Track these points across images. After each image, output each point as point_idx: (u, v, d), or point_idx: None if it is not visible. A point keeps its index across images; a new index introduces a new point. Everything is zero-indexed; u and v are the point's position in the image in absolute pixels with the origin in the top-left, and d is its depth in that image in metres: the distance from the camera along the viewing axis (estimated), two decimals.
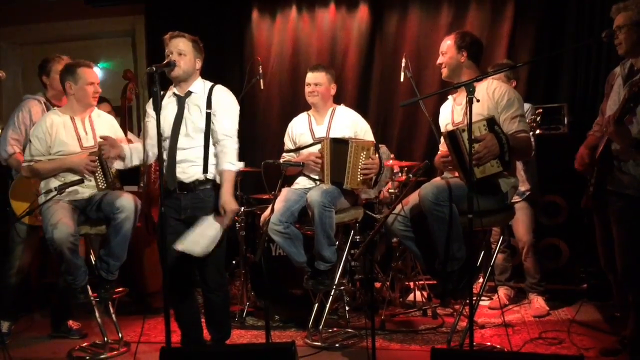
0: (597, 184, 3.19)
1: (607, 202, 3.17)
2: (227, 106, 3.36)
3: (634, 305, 3.16)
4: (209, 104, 3.33)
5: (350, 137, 3.96)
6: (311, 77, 4.07)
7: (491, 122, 3.23)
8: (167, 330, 3.00)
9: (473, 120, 2.96)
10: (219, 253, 3.34)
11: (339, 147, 3.88)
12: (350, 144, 3.82)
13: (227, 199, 3.26)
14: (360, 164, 3.82)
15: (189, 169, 3.33)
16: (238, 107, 3.43)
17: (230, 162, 3.29)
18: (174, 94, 3.41)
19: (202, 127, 3.32)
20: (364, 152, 3.83)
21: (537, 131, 4.17)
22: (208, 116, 3.31)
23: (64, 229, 3.44)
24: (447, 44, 3.55)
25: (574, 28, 4.95)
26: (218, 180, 3.32)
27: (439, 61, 3.59)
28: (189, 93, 3.38)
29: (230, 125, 3.34)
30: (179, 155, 3.34)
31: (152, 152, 3.45)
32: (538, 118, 4.11)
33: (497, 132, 3.21)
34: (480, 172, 3.21)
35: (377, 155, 3.85)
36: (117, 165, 3.58)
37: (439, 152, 3.73)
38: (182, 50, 3.34)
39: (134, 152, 3.55)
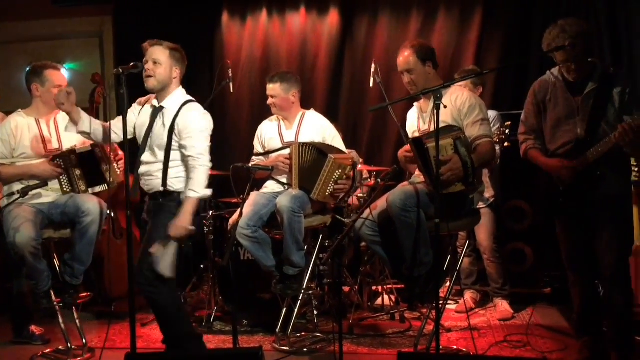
0: (577, 191, 3.23)
1: (585, 206, 3.22)
2: (193, 126, 3.24)
3: (619, 307, 3.22)
4: (173, 122, 3.25)
5: (329, 146, 3.93)
6: (268, 88, 4.04)
7: (457, 142, 3.23)
8: (133, 336, 2.96)
9: (437, 130, 2.96)
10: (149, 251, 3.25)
11: (316, 156, 3.87)
12: (329, 159, 3.79)
13: (177, 222, 3.15)
14: (332, 179, 3.82)
15: (150, 181, 3.32)
16: (207, 125, 3.31)
17: (193, 189, 3.19)
18: (153, 104, 3.37)
19: (164, 144, 3.26)
20: (339, 170, 3.81)
21: (505, 144, 4.22)
22: (170, 134, 3.24)
23: (26, 233, 3.39)
24: (409, 60, 3.47)
25: (540, 35, 5.02)
26: (177, 189, 3.28)
27: (406, 80, 3.52)
28: (161, 108, 3.31)
29: (197, 145, 3.22)
30: (142, 168, 3.33)
31: (115, 134, 3.38)
32: (507, 130, 4.13)
33: (462, 155, 3.22)
34: (444, 190, 3.22)
35: (352, 174, 3.83)
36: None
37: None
38: (157, 59, 3.28)
39: (92, 123, 3.37)
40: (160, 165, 3.27)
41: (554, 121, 3.30)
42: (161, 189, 3.27)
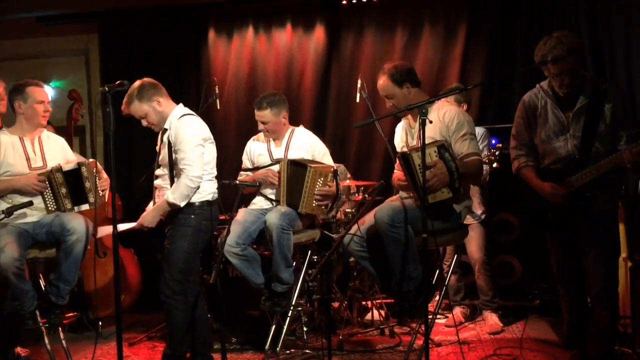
0: (567, 208, 3.22)
1: (574, 222, 3.22)
2: (181, 137, 3.33)
3: (604, 321, 3.23)
4: (169, 137, 3.38)
5: (310, 160, 3.96)
6: (258, 115, 4.03)
7: (441, 149, 3.24)
8: (120, 356, 2.93)
9: (423, 145, 2.97)
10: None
11: (297, 170, 3.88)
12: (309, 169, 3.82)
13: (144, 214, 3.39)
14: (316, 189, 3.82)
15: (162, 193, 3.44)
16: (195, 132, 3.36)
17: (168, 193, 3.32)
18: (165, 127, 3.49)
19: (166, 159, 3.39)
20: (321, 179, 3.83)
21: (495, 165, 4.24)
22: (169, 149, 3.37)
23: (9, 254, 3.36)
24: (385, 86, 3.46)
25: (524, 50, 5.10)
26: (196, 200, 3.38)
27: (388, 105, 3.52)
28: (165, 130, 3.45)
29: (186, 155, 3.30)
30: (156, 181, 3.51)
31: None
32: (497, 152, 4.16)
33: (447, 160, 3.22)
34: (431, 198, 3.23)
35: (334, 182, 3.84)
36: None
37: (395, 171, 3.77)
38: (141, 114, 3.44)
39: None
40: (168, 178, 3.40)
41: (544, 136, 3.29)
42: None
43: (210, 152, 3.46)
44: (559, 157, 3.24)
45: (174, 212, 3.36)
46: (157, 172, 3.51)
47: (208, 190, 3.41)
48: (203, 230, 3.40)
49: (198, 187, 3.33)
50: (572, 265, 3.33)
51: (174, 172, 3.37)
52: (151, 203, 3.63)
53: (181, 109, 3.49)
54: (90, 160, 3.78)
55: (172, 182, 3.38)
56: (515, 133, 3.43)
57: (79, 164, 3.70)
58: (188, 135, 3.33)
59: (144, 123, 3.47)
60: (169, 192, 3.32)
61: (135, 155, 5.63)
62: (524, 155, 3.39)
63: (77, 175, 3.68)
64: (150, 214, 3.37)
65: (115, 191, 3.16)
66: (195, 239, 3.37)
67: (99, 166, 3.73)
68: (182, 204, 3.30)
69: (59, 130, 4.58)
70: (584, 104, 3.16)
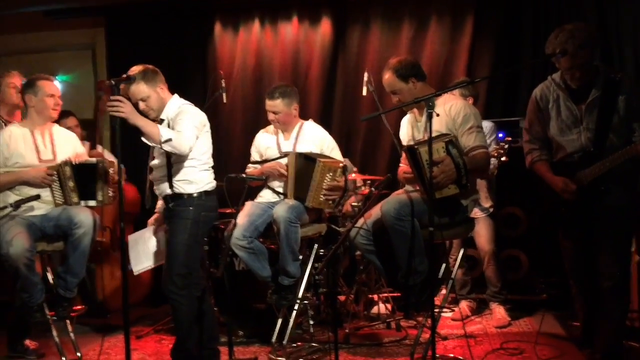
0: (580, 203, 3.18)
1: (587, 218, 3.19)
2: (182, 116, 3.30)
3: (614, 316, 3.19)
4: (169, 123, 3.35)
5: (319, 154, 3.96)
6: (269, 105, 4.01)
7: (449, 145, 3.22)
8: (127, 349, 2.95)
9: (430, 138, 2.95)
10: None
11: (306, 163, 3.88)
12: (318, 163, 3.81)
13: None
14: (324, 184, 3.82)
15: (159, 186, 3.42)
16: (197, 114, 3.38)
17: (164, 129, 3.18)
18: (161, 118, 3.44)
19: (163, 150, 3.30)
20: (330, 173, 3.82)
21: (503, 158, 4.23)
22: None
23: (19, 245, 3.38)
24: (390, 82, 3.44)
25: (531, 43, 5.07)
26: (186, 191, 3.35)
27: (394, 100, 3.50)
28: (162, 120, 3.40)
29: (182, 128, 3.22)
30: (152, 174, 3.47)
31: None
32: (506, 145, 4.16)
33: (454, 156, 3.20)
34: (438, 193, 3.21)
35: (343, 177, 3.83)
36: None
37: (400, 165, 3.77)
38: (143, 96, 3.36)
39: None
40: (165, 169, 3.35)
41: (557, 130, 3.25)
42: (169, 191, 3.35)
43: (206, 141, 3.43)
44: (573, 150, 3.21)
45: (172, 206, 3.35)
46: (152, 163, 3.45)
47: (205, 181, 3.40)
48: (202, 222, 3.37)
49: (177, 154, 3.22)
50: (585, 261, 3.29)
51: (171, 160, 3.33)
52: (159, 202, 3.63)
53: (178, 99, 3.47)
54: (112, 160, 3.80)
55: (169, 173, 3.34)
56: (528, 127, 3.39)
57: (98, 161, 3.72)
58: (189, 116, 3.30)
59: (142, 106, 3.36)
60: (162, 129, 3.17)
61: (141, 149, 5.62)
62: (537, 149, 3.36)
63: (89, 171, 3.70)
64: (134, 112, 3.09)
65: (120, 184, 3.15)
66: (195, 231, 3.34)
67: (116, 166, 3.72)
68: (162, 139, 3.09)
69: (83, 123, 4.63)
70: (597, 95, 3.12)
